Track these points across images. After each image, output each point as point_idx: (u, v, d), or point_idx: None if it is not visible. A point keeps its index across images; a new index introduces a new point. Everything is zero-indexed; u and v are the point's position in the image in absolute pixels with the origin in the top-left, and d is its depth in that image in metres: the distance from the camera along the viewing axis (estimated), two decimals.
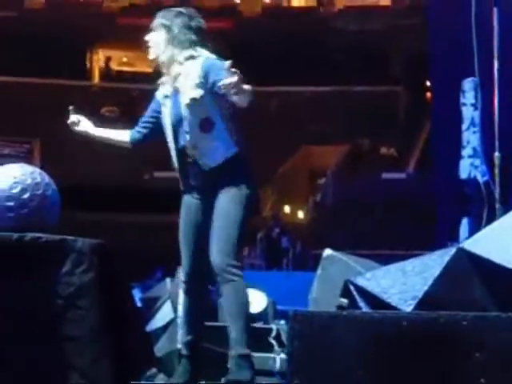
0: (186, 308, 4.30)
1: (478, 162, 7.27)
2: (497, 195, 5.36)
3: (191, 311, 4.26)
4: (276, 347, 5.18)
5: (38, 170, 3.07)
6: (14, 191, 2.94)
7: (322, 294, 4.98)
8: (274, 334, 5.25)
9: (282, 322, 5.39)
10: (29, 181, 2.95)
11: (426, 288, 2.47)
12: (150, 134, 4.41)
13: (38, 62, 19.63)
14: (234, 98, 3.81)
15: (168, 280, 6.26)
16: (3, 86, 19.52)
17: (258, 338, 5.19)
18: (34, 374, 2.72)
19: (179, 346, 5.41)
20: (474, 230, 6.71)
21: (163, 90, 4.22)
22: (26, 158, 18.32)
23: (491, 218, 5.72)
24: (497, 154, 5.38)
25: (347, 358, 2.31)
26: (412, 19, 17.48)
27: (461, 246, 2.57)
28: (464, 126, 7.53)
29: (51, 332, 2.75)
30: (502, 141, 5.56)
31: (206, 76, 3.98)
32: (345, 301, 2.88)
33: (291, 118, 19.10)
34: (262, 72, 18.19)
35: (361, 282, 2.67)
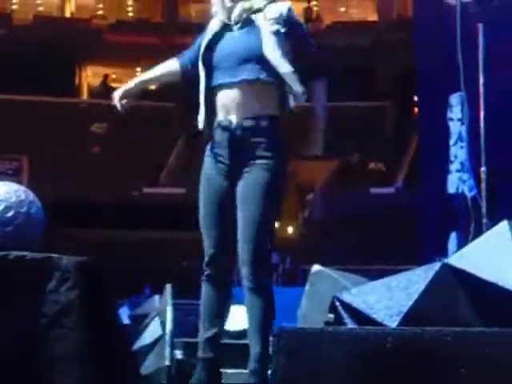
0: (206, 298, 3.76)
1: (465, 176, 7.30)
2: (484, 210, 5.38)
3: (212, 302, 3.74)
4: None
5: (22, 188, 3.07)
6: None
7: (310, 309, 4.98)
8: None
9: (271, 338, 5.37)
10: (13, 199, 2.95)
11: (410, 303, 2.47)
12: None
13: (26, 78, 19.62)
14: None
15: (156, 297, 6.25)
16: None
17: (244, 355, 5.18)
18: None
19: (167, 362, 5.40)
20: (462, 244, 6.72)
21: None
22: (15, 175, 18.28)
23: (479, 233, 5.73)
24: (483, 168, 5.40)
25: (333, 375, 2.31)
26: (399, 34, 17.55)
27: (446, 261, 2.57)
28: (451, 141, 7.57)
29: (36, 351, 2.73)
30: (489, 155, 5.58)
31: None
32: (332, 316, 2.88)
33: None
34: None
35: (346, 297, 2.67)
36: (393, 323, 2.51)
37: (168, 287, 5.89)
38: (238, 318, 5.49)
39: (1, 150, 17.94)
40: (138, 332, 5.90)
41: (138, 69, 23.04)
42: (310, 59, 3.75)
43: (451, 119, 7.52)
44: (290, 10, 3.71)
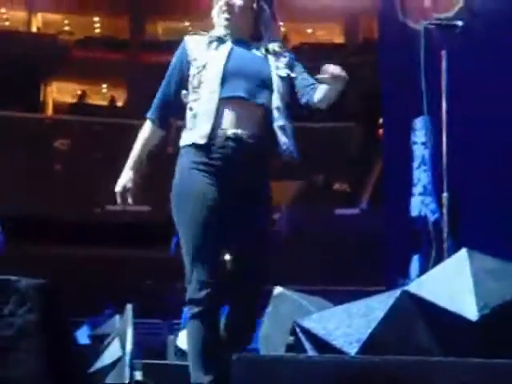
0: (198, 339, 3.25)
1: (428, 199, 7.35)
2: (445, 234, 5.41)
3: (209, 340, 3.22)
4: None
5: None
6: None
7: (271, 331, 4.98)
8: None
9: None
10: None
11: (370, 331, 2.47)
12: (175, 109, 3.68)
13: None
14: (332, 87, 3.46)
15: (117, 317, 6.21)
16: None
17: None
18: None
19: (126, 383, 5.35)
20: (423, 266, 6.76)
21: (217, 32, 3.62)
22: None
23: (440, 256, 5.77)
24: (445, 194, 5.44)
25: None
26: (365, 57, 17.70)
27: (405, 288, 2.58)
28: (415, 164, 7.61)
29: None
30: (451, 180, 5.62)
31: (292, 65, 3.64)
32: (293, 339, 2.87)
33: None
34: None
35: (307, 323, 2.66)
36: (352, 350, 2.51)
37: (129, 307, 5.85)
38: None
39: None
40: (98, 352, 5.85)
41: (105, 85, 22.98)
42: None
43: (415, 143, 7.57)
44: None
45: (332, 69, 3.43)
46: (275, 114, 3.49)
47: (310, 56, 22.97)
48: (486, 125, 7.62)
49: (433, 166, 7.11)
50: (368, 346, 2.44)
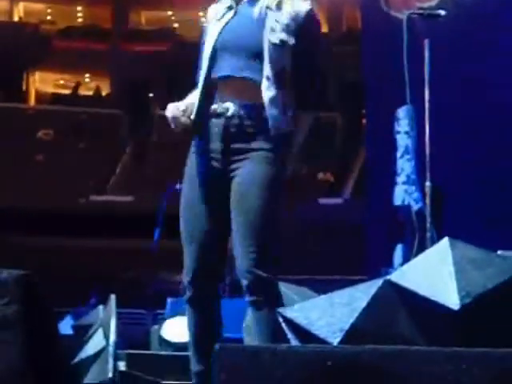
0: (193, 325, 3.28)
1: (411, 189, 7.37)
2: (428, 224, 5.43)
3: (198, 327, 3.25)
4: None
5: None
6: None
7: None
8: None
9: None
10: None
11: (352, 320, 2.48)
12: None
13: None
14: None
15: (100, 307, 6.18)
16: None
17: (189, 367, 5.14)
18: None
19: (110, 374, 5.34)
20: (407, 256, 6.79)
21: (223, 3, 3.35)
22: None
23: (423, 245, 5.79)
24: (428, 183, 5.45)
25: None
26: (349, 46, 17.69)
27: (387, 277, 2.59)
28: (398, 154, 7.64)
29: None
30: (434, 169, 5.64)
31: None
32: None
33: None
34: None
35: (289, 313, 2.66)
36: (335, 340, 2.51)
37: (112, 298, 5.83)
38: (180, 330, 5.47)
39: None
40: (82, 343, 5.84)
41: (87, 75, 22.88)
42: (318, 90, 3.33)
43: (398, 132, 7.58)
44: (309, 13, 3.26)
45: None
46: (264, 84, 3.22)
47: None
48: (468, 114, 7.65)
49: (416, 155, 7.13)
50: (351, 335, 2.45)
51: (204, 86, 3.33)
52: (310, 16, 3.31)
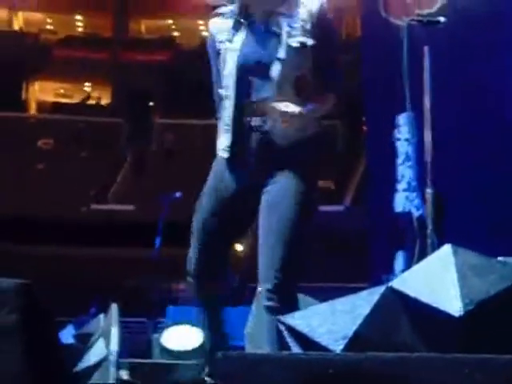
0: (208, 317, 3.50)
1: (412, 195, 7.36)
2: (429, 231, 5.42)
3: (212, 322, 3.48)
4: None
5: None
6: None
7: (257, 328, 4.96)
8: (207, 370, 5.21)
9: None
10: None
11: (355, 327, 2.47)
12: None
13: None
14: None
15: (102, 316, 6.17)
16: None
17: (191, 375, 5.14)
18: None
19: (112, 383, 5.33)
20: (408, 263, 6.77)
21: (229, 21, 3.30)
22: None
23: (424, 252, 5.78)
24: (429, 190, 5.44)
25: None
26: (348, 54, 17.71)
27: (389, 284, 2.58)
28: (399, 161, 7.63)
29: None
30: (436, 176, 5.63)
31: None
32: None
33: None
34: (198, 105, 18.18)
35: (290, 321, 2.65)
36: (337, 347, 2.50)
37: (113, 306, 5.83)
38: (180, 338, 5.46)
39: None
40: (83, 352, 5.82)
41: (87, 84, 22.89)
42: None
43: (398, 139, 7.58)
44: (321, 8, 3.26)
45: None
46: (276, 97, 3.24)
47: None
48: (469, 120, 7.64)
49: (417, 162, 7.12)
50: (353, 342, 2.44)
51: (236, 109, 3.32)
52: (323, 12, 3.32)
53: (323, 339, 2.49)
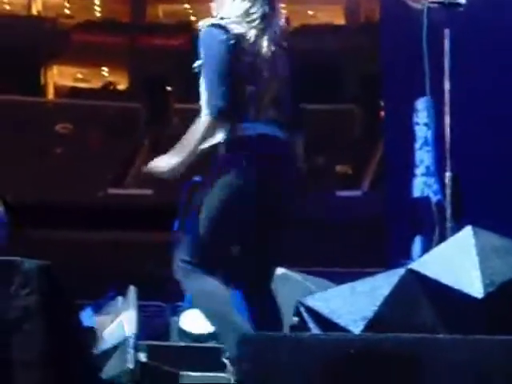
0: None
1: (431, 180, 7.34)
2: (448, 215, 5.40)
3: None
4: (229, 367, 5.16)
5: None
6: None
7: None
8: (227, 353, 5.23)
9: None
10: None
11: (375, 308, 2.47)
12: None
13: None
14: None
15: (120, 299, 6.21)
16: None
17: (210, 358, 5.16)
18: None
19: (131, 365, 5.36)
20: (426, 247, 6.76)
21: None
22: None
23: (443, 237, 5.76)
24: (448, 173, 5.42)
25: (296, 381, 2.30)
26: (367, 38, 17.62)
27: (409, 266, 2.57)
28: (417, 145, 7.60)
29: None
30: (454, 160, 5.61)
31: None
32: (297, 320, 2.87)
33: None
34: None
35: (310, 302, 2.66)
36: (357, 328, 2.50)
37: (132, 289, 5.86)
38: (199, 321, 5.48)
39: None
40: (102, 335, 5.86)
41: (105, 69, 22.93)
42: None
43: (417, 123, 7.55)
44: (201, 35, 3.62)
45: None
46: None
47: (311, 37, 22.93)
48: (489, 104, 7.60)
49: (435, 146, 7.10)
50: (373, 324, 2.44)
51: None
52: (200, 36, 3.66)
53: (343, 320, 2.49)
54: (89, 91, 22.45)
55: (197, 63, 3.59)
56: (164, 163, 3.95)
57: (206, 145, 3.74)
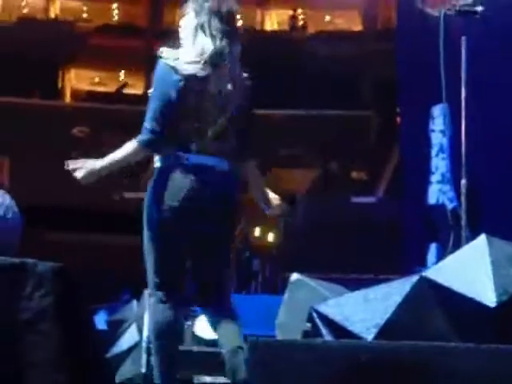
0: None
1: (446, 187, 7.32)
2: (463, 222, 5.38)
3: None
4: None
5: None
6: None
7: (288, 318, 4.97)
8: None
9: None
10: None
11: (387, 316, 2.47)
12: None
13: (8, 80, 19.54)
14: None
15: (134, 302, 6.22)
16: None
17: (222, 363, 5.15)
18: None
19: (143, 369, 5.38)
20: (441, 255, 6.73)
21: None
22: None
23: (458, 245, 5.74)
24: (463, 181, 5.40)
25: None
26: (383, 44, 17.59)
27: (423, 274, 2.57)
28: (433, 152, 7.58)
29: (11, 357, 2.70)
30: (470, 168, 5.59)
31: None
32: (310, 326, 2.87)
33: (261, 142, 19.18)
34: None
35: (323, 309, 2.65)
36: (369, 335, 2.50)
37: (146, 293, 5.86)
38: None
39: None
40: (115, 338, 5.88)
41: (122, 72, 23.01)
42: None
43: (433, 130, 7.53)
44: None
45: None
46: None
47: (328, 43, 22.88)
48: (505, 112, 7.57)
49: (451, 154, 7.07)
50: (385, 331, 2.43)
51: None
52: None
53: (356, 327, 2.49)
54: (106, 95, 22.54)
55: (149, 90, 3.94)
56: (80, 165, 4.12)
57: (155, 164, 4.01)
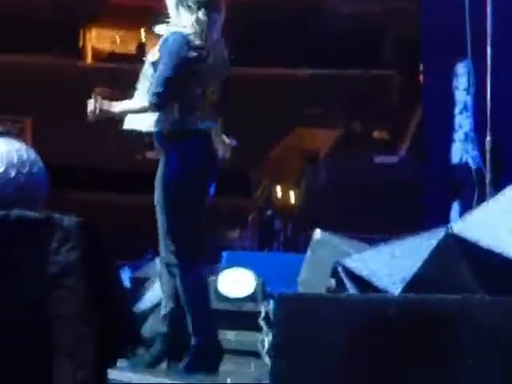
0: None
1: (469, 146, 7.26)
2: (487, 180, 5.35)
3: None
4: (265, 329, 5.18)
5: (24, 147, 3.05)
6: None
7: (310, 276, 4.98)
8: (262, 315, 5.24)
9: (272, 303, 5.37)
10: (15, 158, 2.93)
11: (414, 270, 2.46)
12: None
13: (29, 39, 19.52)
14: None
15: (157, 260, 6.24)
16: None
17: (246, 320, 5.19)
18: (20, 351, 2.71)
19: (164, 329, 5.40)
20: (464, 214, 6.69)
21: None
22: (18, 137, 18.24)
23: (482, 203, 5.69)
24: (488, 138, 5.36)
25: (333, 341, 2.31)
26: (407, 2, 17.39)
27: (449, 229, 2.56)
28: (456, 110, 7.51)
29: (38, 311, 2.73)
30: (494, 126, 5.54)
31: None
32: (334, 282, 2.87)
33: (284, 101, 19.06)
34: (255, 53, 18.10)
35: (349, 263, 2.65)
36: (396, 290, 2.50)
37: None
38: (236, 283, 5.51)
39: (3, 112, 17.87)
40: (139, 295, 5.91)
41: (143, 29, 22.91)
42: None
43: (457, 88, 7.46)
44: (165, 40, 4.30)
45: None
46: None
47: (351, 2, 22.66)
48: None
49: (475, 112, 7.01)
50: (412, 286, 2.43)
51: None
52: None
53: (382, 282, 2.49)
54: (126, 55, 22.47)
55: (153, 59, 4.33)
56: (93, 106, 4.66)
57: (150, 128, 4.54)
